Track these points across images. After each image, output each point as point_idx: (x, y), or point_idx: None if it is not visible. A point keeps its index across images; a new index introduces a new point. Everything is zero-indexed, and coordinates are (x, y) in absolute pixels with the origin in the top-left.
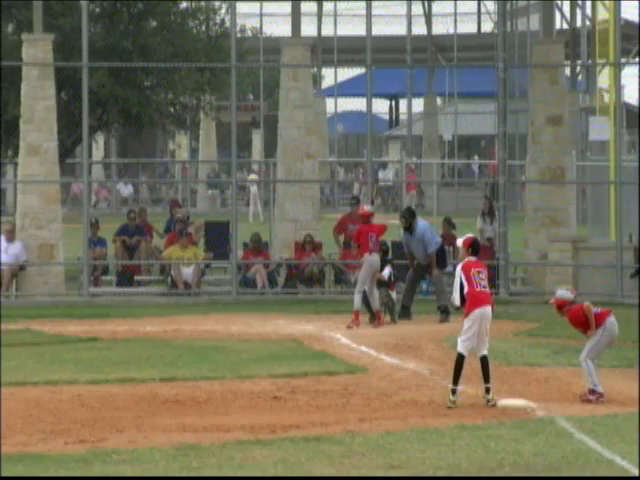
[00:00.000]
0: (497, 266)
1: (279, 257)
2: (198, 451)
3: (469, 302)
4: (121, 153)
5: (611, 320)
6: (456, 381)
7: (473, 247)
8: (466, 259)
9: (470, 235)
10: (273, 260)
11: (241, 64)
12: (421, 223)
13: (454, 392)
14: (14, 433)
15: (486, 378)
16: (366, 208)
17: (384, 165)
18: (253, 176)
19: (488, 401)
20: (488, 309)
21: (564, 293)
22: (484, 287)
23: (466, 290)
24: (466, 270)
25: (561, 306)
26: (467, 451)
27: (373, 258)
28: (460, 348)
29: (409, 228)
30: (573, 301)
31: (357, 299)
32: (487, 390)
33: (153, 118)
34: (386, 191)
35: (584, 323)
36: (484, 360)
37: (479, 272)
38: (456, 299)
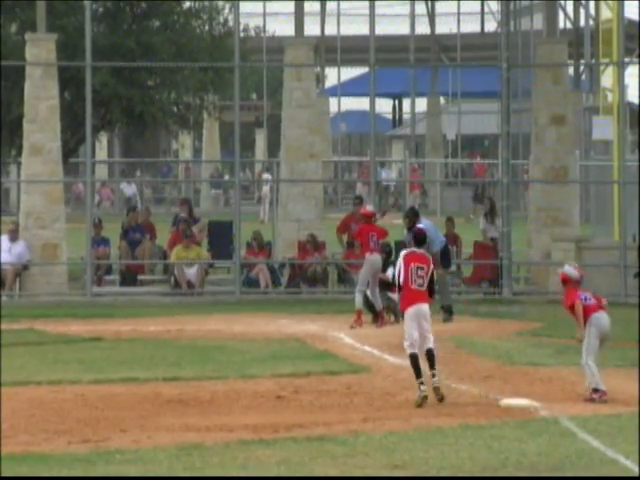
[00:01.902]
0: (500, 266)
1: (282, 257)
2: (201, 451)
3: (404, 301)
4: (124, 153)
5: (596, 316)
6: (418, 375)
7: (416, 238)
8: (411, 249)
9: (420, 226)
10: (275, 259)
11: (244, 63)
12: (424, 223)
13: (421, 384)
14: (17, 433)
15: (432, 365)
16: (368, 208)
17: (382, 164)
18: (267, 175)
19: (434, 384)
20: (424, 307)
21: (570, 270)
22: (420, 285)
23: (401, 279)
24: (407, 260)
25: (566, 281)
26: (470, 451)
27: (374, 258)
28: (409, 350)
29: (412, 228)
30: (578, 281)
31: (358, 298)
32: (433, 375)
33: (156, 118)
34: (385, 190)
35: (571, 311)
36: (429, 352)
37: (419, 268)
38: (389, 275)
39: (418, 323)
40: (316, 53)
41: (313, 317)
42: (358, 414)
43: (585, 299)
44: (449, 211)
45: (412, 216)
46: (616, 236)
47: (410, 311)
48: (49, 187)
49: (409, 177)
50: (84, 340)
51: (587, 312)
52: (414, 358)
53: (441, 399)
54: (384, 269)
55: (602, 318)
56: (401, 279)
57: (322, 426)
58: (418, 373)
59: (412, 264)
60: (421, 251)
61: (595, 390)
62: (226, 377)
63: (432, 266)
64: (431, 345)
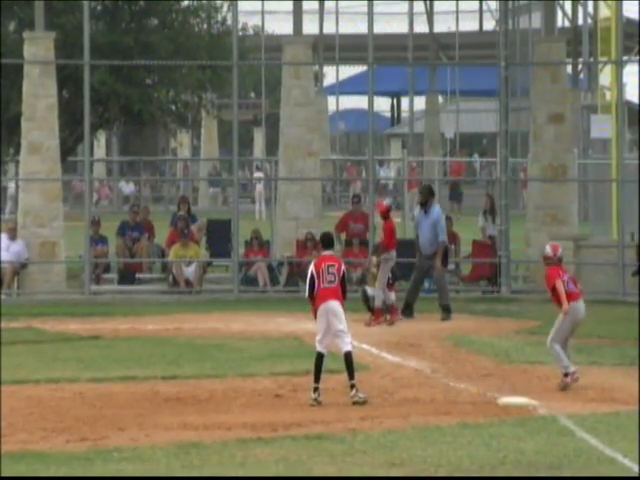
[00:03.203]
0: (499, 264)
1: (281, 255)
2: (199, 449)
3: (316, 299)
4: (123, 151)
5: (575, 305)
6: (317, 379)
7: (323, 242)
8: (322, 253)
9: (327, 231)
10: (274, 258)
11: (243, 62)
12: (437, 208)
13: (315, 390)
14: (16, 431)
15: (350, 375)
16: (385, 203)
17: (380, 162)
18: (259, 174)
19: (352, 397)
20: (332, 303)
21: (546, 248)
22: (330, 282)
23: (315, 284)
24: (317, 265)
25: (544, 260)
26: (468, 449)
27: (394, 255)
28: (317, 347)
29: (425, 205)
30: (551, 258)
31: (388, 296)
32: (352, 387)
33: (155, 116)
34: (383, 189)
35: (552, 290)
36: (347, 356)
37: (330, 266)
38: (306, 291)
39: (327, 320)
40: (314, 51)
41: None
42: (356, 412)
43: (568, 284)
44: (447, 209)
45: (427, 193)
46: (614, 234)
47: (320, 308)
48: (47, 185)
49: (407, 175)
50: (82, 338)
51: (568, 299)
52: (317, 358)
53: (356, 403)
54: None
55: (579, 308)
56: (315, 284)
57: (320, 424)
58: (316, 377)
59: (323, 264)
60: (330, 253)
61: (565, 374)
62: (224, 375)
63: (343, 266)
64: (348, 348)
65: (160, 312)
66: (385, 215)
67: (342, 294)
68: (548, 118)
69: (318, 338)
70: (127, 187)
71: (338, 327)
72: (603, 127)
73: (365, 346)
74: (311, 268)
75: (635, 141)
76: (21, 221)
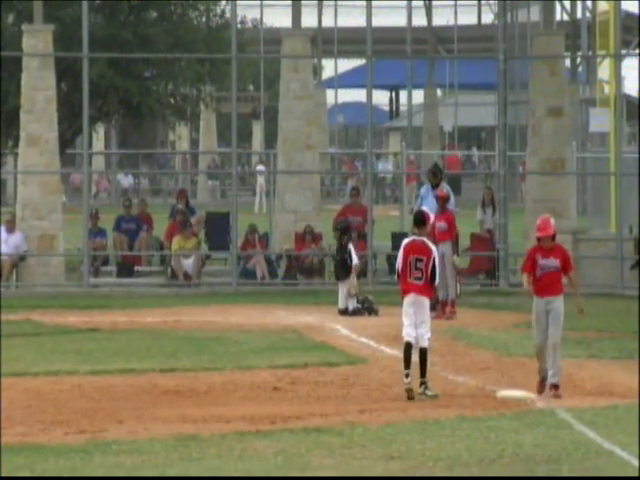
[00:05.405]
0: (497, 257)
1: (279, 248)
2: (198, 442)
3: (402, 289)
4: (121, 144)
5: None
6: (406, 366)
7: (415, 220)
8: (412, 238)
9: (424, 208)
10: (272, 251)
11: (241, 55)
12: (444, 186)
13: (407, 376)
14: (14, 423)
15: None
16: (444, 190)
17: (378, 156)
18: (260, 167)
19: (420, 394)
20: (418, 297)
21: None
22: (417, 278)
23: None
24: (405, 253)
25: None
26: (467, 442)
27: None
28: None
29: (435, 186)
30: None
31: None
32: (421, 384)
33: (153, 109)
34: (381, 182)
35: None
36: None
37: (418, 260)
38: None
39: (413, 311)
40: (313, 45)
41: (310, 308)
42: (355, 405)
43: None
44: None
45: (437, 172)
46: (613, 228)
47: (405, 299)
48: (46, 178)
49: (406, 169)
50: (81, 331)
51: None
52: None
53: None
54: (341, 250)
55: None
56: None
57: (319, 417)
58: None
59: (411, 256)
60: (422, 239)
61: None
62: (223, 368)
63: (434, 254)
64: (423, 343)
65: (159, 305)
66: (445, 201)
67: (430, 285)
68: (547, 111)
69: (403, 328)
70: (126, 180)
71: (419, 320)
72: (602, 120)
73: (364, 339)
74: (401, 252)
75: (634, 134)
76: (20, 214)
